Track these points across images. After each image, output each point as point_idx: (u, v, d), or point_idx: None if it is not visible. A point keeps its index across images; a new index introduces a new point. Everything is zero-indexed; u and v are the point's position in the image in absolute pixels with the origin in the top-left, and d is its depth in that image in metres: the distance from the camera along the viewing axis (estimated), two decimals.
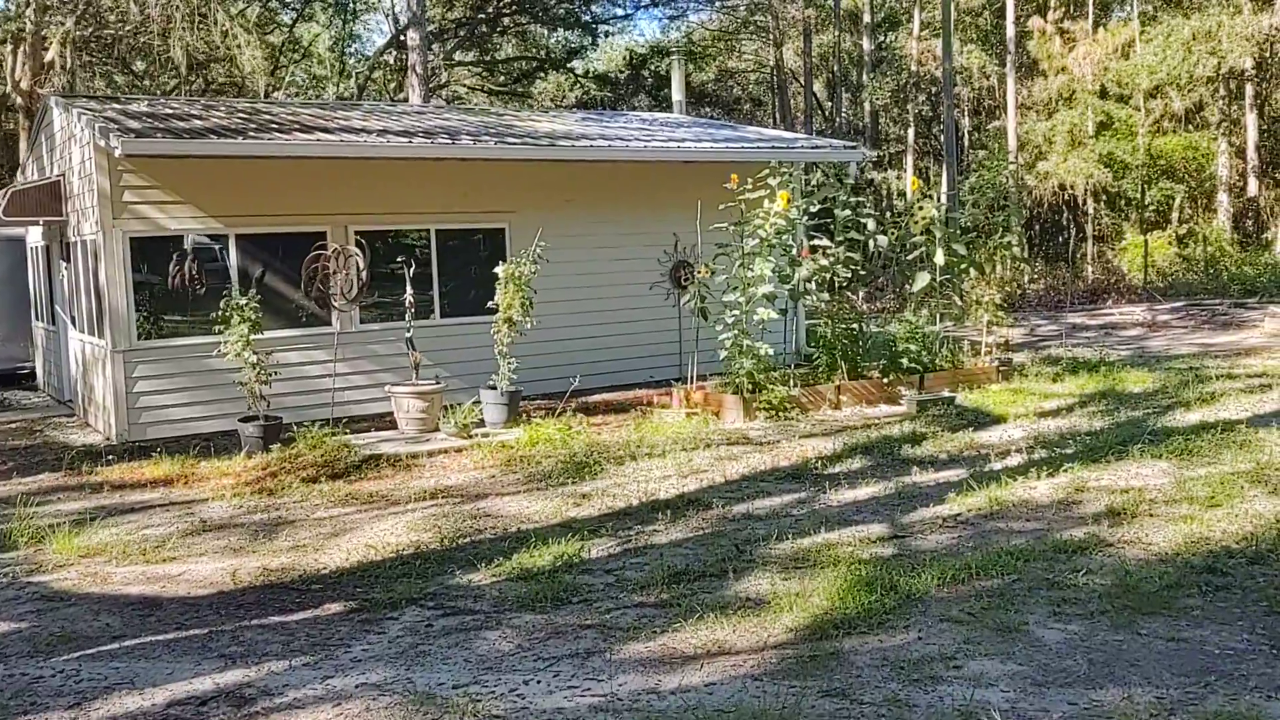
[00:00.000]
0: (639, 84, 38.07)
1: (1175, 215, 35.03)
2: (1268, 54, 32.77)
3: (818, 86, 43.59)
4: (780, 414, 11.75)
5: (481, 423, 11.07)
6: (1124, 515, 7.23)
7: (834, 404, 12.44)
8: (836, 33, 38.66)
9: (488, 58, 39.17)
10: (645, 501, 8.18)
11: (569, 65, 38.17)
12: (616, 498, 8.36)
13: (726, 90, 42.07)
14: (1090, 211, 33.59)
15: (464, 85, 39.31)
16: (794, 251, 12.81)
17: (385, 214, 13.39)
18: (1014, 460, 9.24)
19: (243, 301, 10.63)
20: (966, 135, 39.83)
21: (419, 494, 8.73)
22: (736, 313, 11.92)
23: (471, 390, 13.32)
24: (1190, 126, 36.12)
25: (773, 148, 15.06)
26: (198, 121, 12.64)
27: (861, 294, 13.98)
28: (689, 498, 8.26)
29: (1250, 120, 33.94)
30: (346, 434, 11.04)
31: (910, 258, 13.83)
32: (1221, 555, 6.25)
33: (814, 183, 13.79)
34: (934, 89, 35.71)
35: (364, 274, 11.38)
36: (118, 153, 10.95)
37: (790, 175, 12.87)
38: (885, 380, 12.87)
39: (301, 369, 12.73)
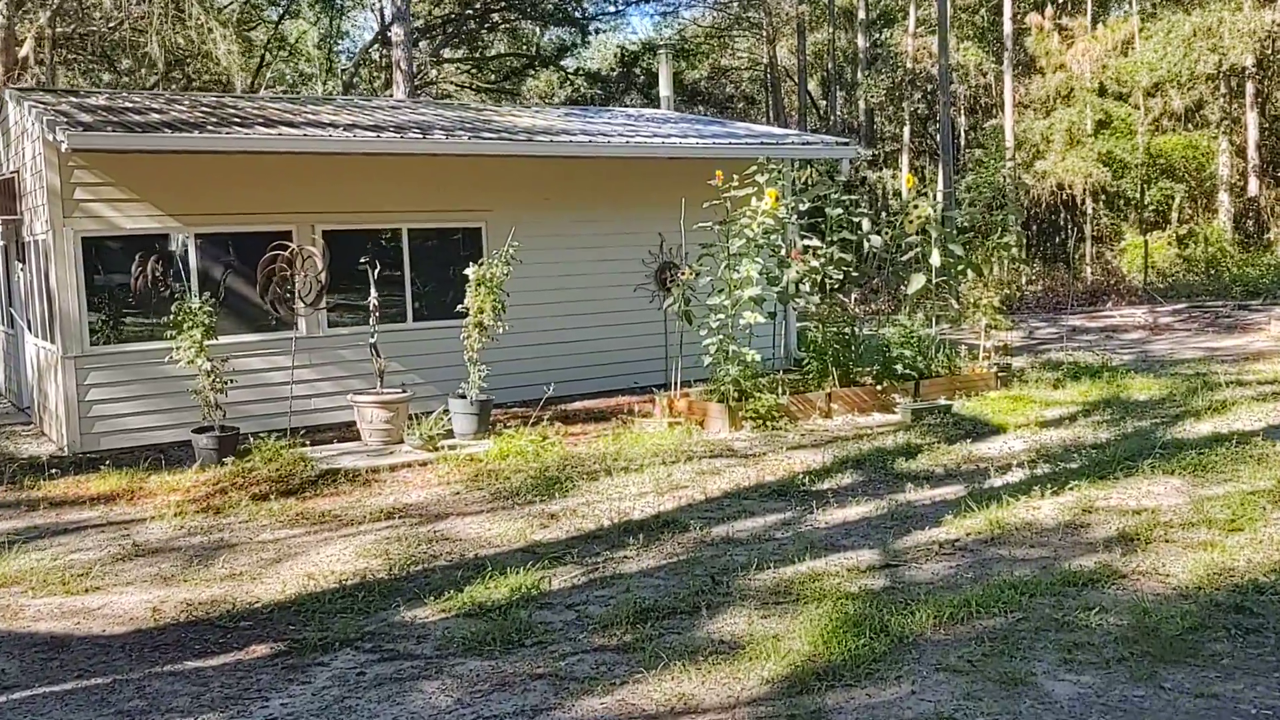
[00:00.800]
0: (630, 81, 37.45)
1: (1175, 215, 34.44)
2: (1269, 50, 32.20)
3: (812, 85, 42.99)
4: (768, 424, 11.13)
5: (450, 434, 10.44)
6: (1137, 541, 6.61)
7: (824, 412, 11.82)
8: (831, 30, 38.07)
9: (477, 55, 38.53)
10: (617, 523, 7.55)
11: (559, 62, 37.53)
12: (586, 518, 7.73)
13: (719, 88, 41.45)
14: (1089, 211, 33.00)
15: (453, 83, 38.67)
16: (783, 252, 12.20)
17: (354, 213, 12.75)
18: (1015, 476, 8.62)
19: (195, 305, 9.99)
20: (963, 134, 39.24)
21: (375, 513, 8.10)
22: (721, 317, 11.30)
23: (446, 398, 12.72)
24: (1189, 125, 35.56)
25: (762, 144, 14.44)
26: (155, 115, 12.00)
27: (854, 296, 13.37)
28: (665, 518, 7.63)
29: (1251, 119, 33.36)
30: (306, 446, 10.42)
31: (905, 259, 13.22)
32: (1249, 591, 5.63)
33: (804, 180, 13.16)
34: (930, 87, 35.12)
35: (323, 275, 10.74)
36: (64, 147, 10.31)
37: (780, 172, 12.25)
38: (879, 387, 12.25)
39: (265, 376, 12.09)
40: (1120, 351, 17.10)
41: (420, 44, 36.96)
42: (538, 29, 39.98)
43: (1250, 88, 32.98)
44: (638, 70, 38.96)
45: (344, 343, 12.70)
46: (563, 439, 10.83)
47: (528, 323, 13.79)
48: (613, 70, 39.21)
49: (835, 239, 12.66)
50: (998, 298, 13.54)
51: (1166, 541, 6.57)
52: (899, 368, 12.31)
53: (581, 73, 37.57)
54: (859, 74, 36.08)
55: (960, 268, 13.13)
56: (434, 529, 7.60)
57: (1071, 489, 7.97)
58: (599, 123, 15.48)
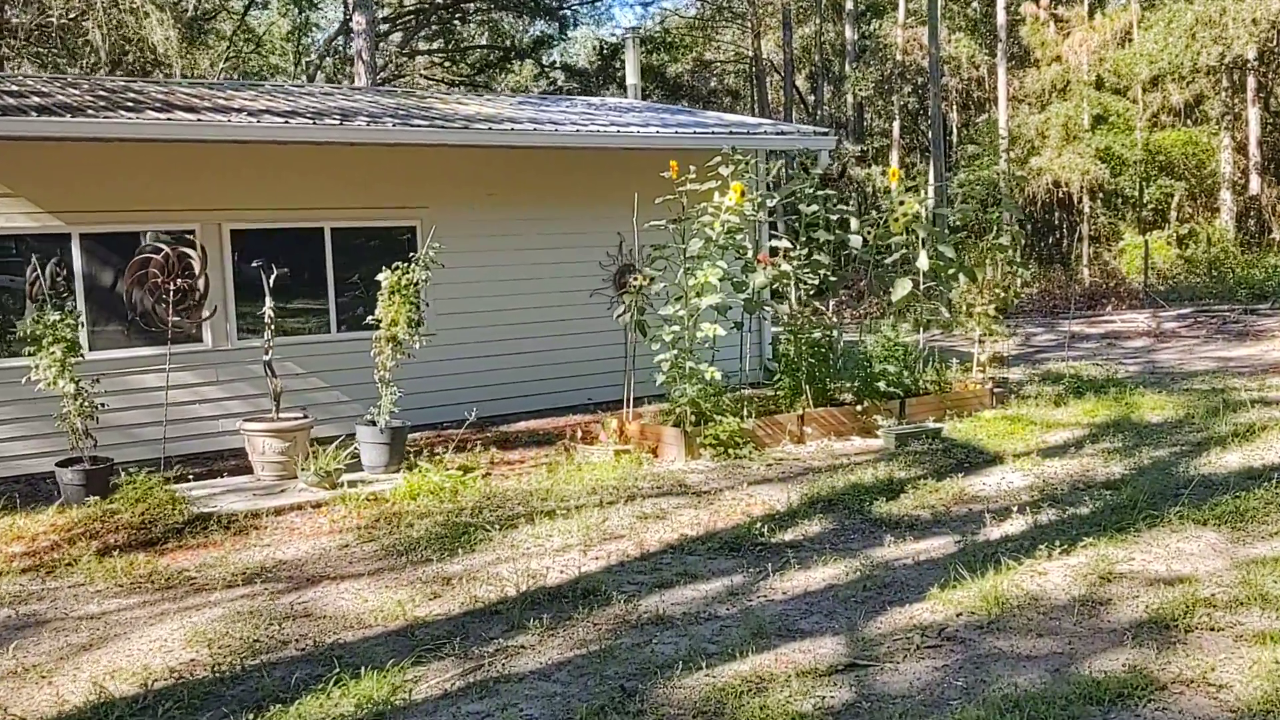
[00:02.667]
0: (610, 75, 36.00)
1: (1174, 214, 33.08)
2: (1272, 43, 30.83)
3: (800, 80, 41.57)
4: (730, 451, 9.69)
5: (359, 464, 8.98)
6: (1174, 629, 5.18)
7: (796, 437, 10.39)
8: (819, 21, 36.67)
9: (450, 47, 37.06)
10: (525, 591, 6.10)
11: (536, 55, 36.07)
12: (489, 583, 6.28)
13: (703, 82, 40.00)
14: (1086, 210, 31.61)
15: (425, 76, 37.19)
16: (750, 254, 10.76)
17: (269, 209, 11.29)
18: (1016, 525, 7.19)
19: (55, 317, 8.52)
20: (955, 130, 37.85)
21: (237, 574, 6.64)
22: (676, 328, 9.86)
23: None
24: (1189, 121, 34.22)
25: (731, 133, 13.00)
26: (35, 99, 10.51)
27: (833, 304, 11.95)
28: (585, 584, 6.18)
29: (1253, 114, 32.02)
30: (190, 480, 8.97)
31: (889, 261, 11.79)
32: None
33: (778, 174, 11.72)
34: (920, 80, 33.71)
35: (202, 282, 9.27)
36: None
37: (747, 164, 10.81)
38: (859, 408, 10.82)
39: (163, 395, 10.64)
40: (1125, 362, 15.70)
41: (392, 36, 35.50)
42: (516, 21, 38.57)
43: (1252, 82, 31.64)
44: (617, 64, 37.51)
45: (258, 356, 11.24)
46: (492, 470, 9.40)
47: (468, 333, 12.37)
48: (591, 63, 37.78)
49: (810, 239, 11.25)
50: (993, 305, 12.12)
51: (1212, 630, 5.14)
52: (882, 385, 10.87)
53: (559, 66, 36.09)
54: (847, 67, 34.66)
55: (951, 271, 11.70)
56: (298, 600, 6.14)
57: (1085, 546, 6.53)
58: (553, 111, 14.04)
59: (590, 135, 12.14)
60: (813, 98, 40.22)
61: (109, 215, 10.47)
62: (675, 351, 9.83)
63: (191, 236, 10.85)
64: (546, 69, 35.80)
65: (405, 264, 9.12)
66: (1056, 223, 34.82)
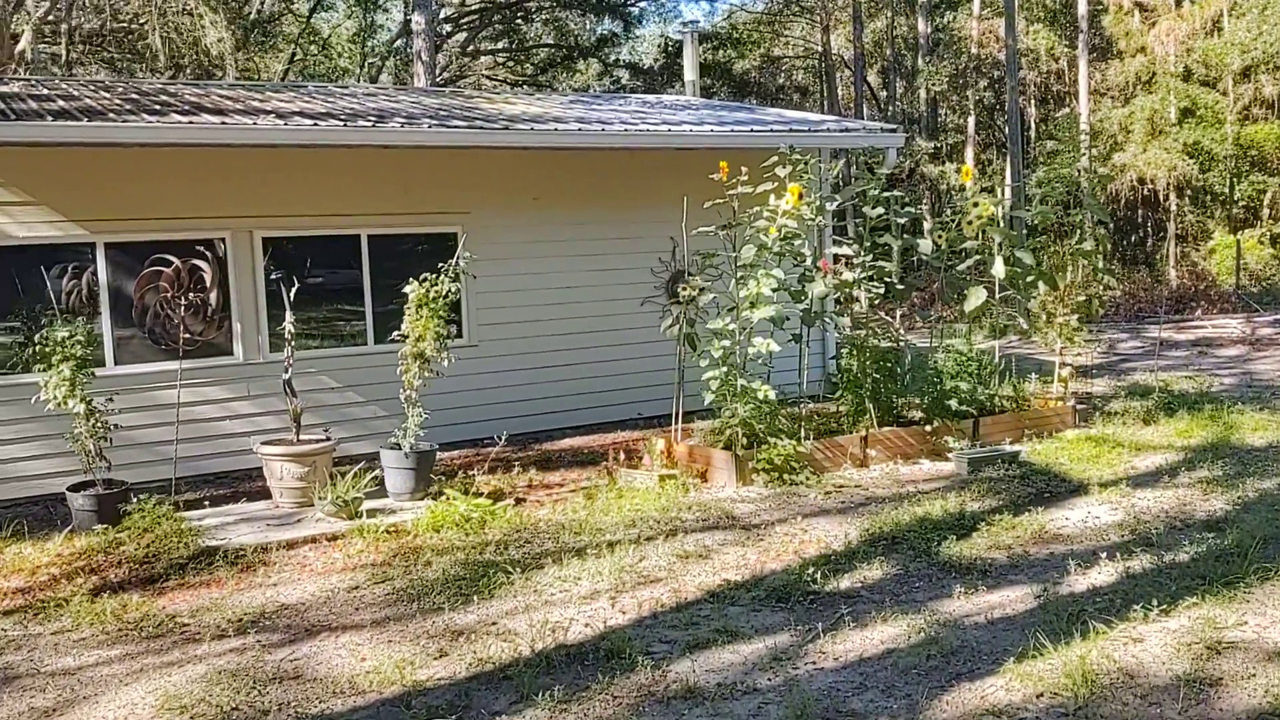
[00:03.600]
0: (674, 73, 35.22)
1: (1267, 212, 31.41)
2: None
3: (871, 76, 40.45)
4: (785, 477, 8.92)
5: (383, 490, 8.38)
6: None
7: (859, 460, 9.58)
8: (890, 15, 35.55)
9: (512, 46, 36.61)
10: (541, 650, 5.41)
11: (600, 54, 35.44)
12: (503, 638, 5.60)
13: (770, 78, 39.06)
14: (1173, 208, 30.11)
15: (488, 76, 36.79)
16: (809, 261, 9.97)
17: (302, 216, 10.77)
18: (1104, 574, 6.33)
19: (63, 334, 8.03)
20: (1033, 125, 36.45)
21: (232, 621, 6.05)
22: (726, 343, 9.10)
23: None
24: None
25: (790, 130, 12.20)
26: (61, 102, 10.10)
27: (900, 314, 11.10)
28: (610, 642, 5.47)
29: None
30: (206, 504, 8.44)
31: (962, 267, 10.90)
32: None
33: (836, 174, 10.90)
34: (996, 73, 32.45)
35: (213, 295, 8.74)
36: None
37: (806, 164, 10.01)
38: (928, 428, 9.97)
39: (192, 410, 10.18)
40: (1219, 372, 14.59)
41: (456, 37, 35.14)
42: (581, 19, 38.01)
43: None
44: (681, 61, 36.75)
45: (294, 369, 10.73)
46: (528, 494, 8.75)
47: (511, 344, 11.74)
48: (656, 61, 37.07)
49: (876, 244, 10.43)
50: (1076, 315, 11.16)
51: None
52: (953, 403, 10.01)
53: (623, 64, 35.44)
54: (920, 61, 33.51)
55: (1030, 278, 10.79)
56: (291, 656, 5.52)
57: (1188, 605, 5.67)
58: (603, 110, 13.36)
59: (639, 135, 11.42)
60: (884, 94, 39.09)
61: (134, 224, 10.01)
62: (725, 368, 9.07)
63: (219, 245, 10.36)
64: (610, 68, 35.15)
65: (434, 275, 8.48)
66: (1139, 221, 33.31)
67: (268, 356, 10.62)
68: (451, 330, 8.45)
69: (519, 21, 36.52)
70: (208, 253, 10.33)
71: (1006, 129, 30.09)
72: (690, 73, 16.34)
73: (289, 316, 8.49)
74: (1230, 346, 17.62)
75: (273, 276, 9.25)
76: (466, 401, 11.41)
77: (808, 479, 8.92)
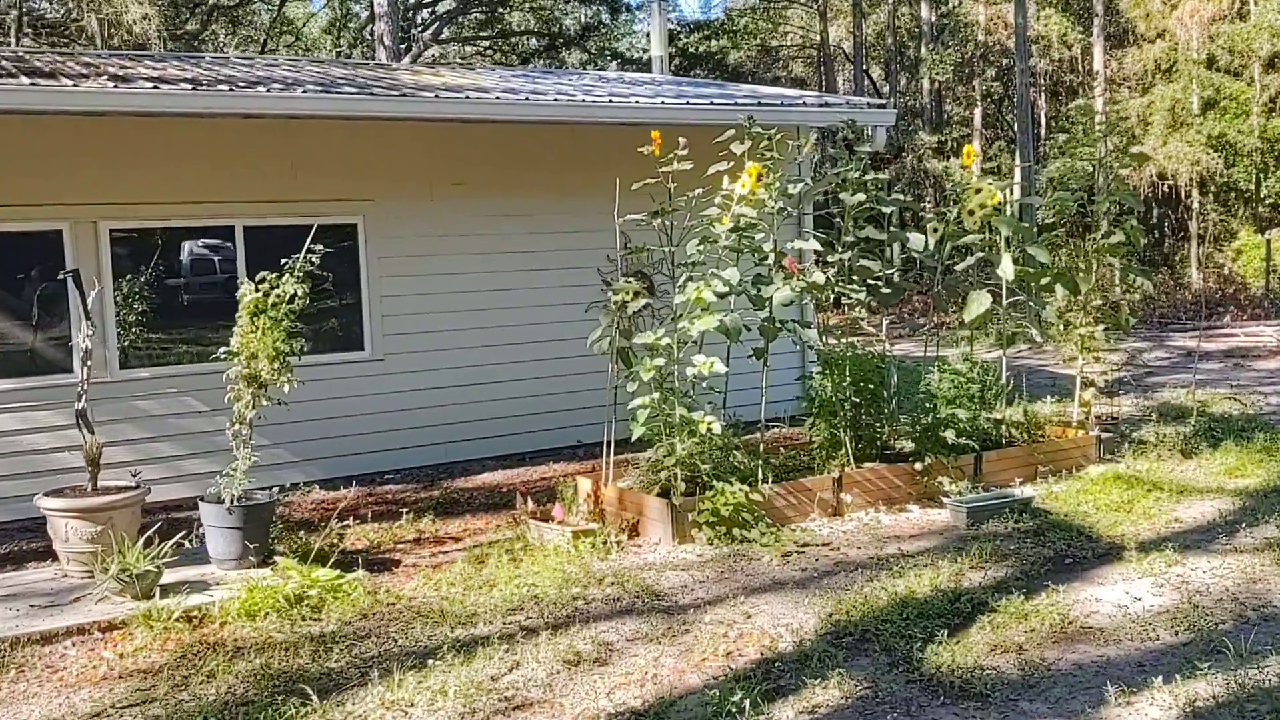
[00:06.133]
0: (664, 63, 33.36)
1: None
2: None
3: (873, 70, 38.50)
4: (735, 533, 6.99)
5: (203, 553, 6.47)
6: None
7: (831, 508, 7.65)
8: (892, 1, 33.59)
9: (494, 34, 34.74)
10: None
11: (583, 42, 33.56)
12: None
13: (766, 69, 37.14)
14: (1195, 205, 28.09)
15: (466, 68, 34.89)
16: (772, 259, 8.04)
17: (161, 204, 8.90)
18: (1157, 706, 4.41)
19: None
20: (1044, 119, 34.44)
21: None
22: (661, 362, 7.17)
23: (306, 472, 8.98)
24: None
25: (760, 105, 10.27)
26: None
27: (886, 323, 9.17)
28: None
29: None
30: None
31: (962, 266, 8.97)
32: None
33: (805, 152, 8.94)
34: (1005, 62, 30.49)
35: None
36: None
37: (770, 139, 8.09)
38: (918, 465, 8.05)
39: (14, 440, 8.34)
40: (1261, 390, 12.64)
41: (428, 25, 33.27)
42: (566, 6, 36.12)
43: None
44: (672, 49, 34.88)
45: (147, 390, 8.86)
46: (407, 555, 6.85)
47: (424, 358, 9.86)
48: (645, 52, 35.16)
49: (857, 239, 8.51)
50: (1100, 326, 9.21)
51: None
52: (949, 434, 8.06)
53: (609, 53, 33.55)
54: (923, 49, 31.53)
55: (1045, 281, 8.85)
56: None
57: None
58: (545, 84, 11.44)
59: (572, 106, 9.50)
60: (887, 87, 37.12)
61: None
62: (658, 394, 7.15)
63: (54, 239, 8.48)
64: (595, 57, 33.26)
65: (276, 275, 6.57)
66: (1158, 220, 31.29)
67: (116, 374, 8.76)
68: (297, 345, 6.50)
69: (501, 9, 34.66)
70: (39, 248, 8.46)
71: (1015, 123, 28.15)
72: (657, 47, 14.44)
73: (85, 328, 6.56)
74: (1269, 358, 15.65)
75: (60, 275, 7.32)
76: (366, 427, 9.55)
77: (763, 535, 6.98)
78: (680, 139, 7.52)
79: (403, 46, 30.99)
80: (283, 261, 6.69)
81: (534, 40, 35.05)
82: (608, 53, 33.32)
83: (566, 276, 10.40)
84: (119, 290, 8.79)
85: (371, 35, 26.59)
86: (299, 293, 6.48)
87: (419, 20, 33.22)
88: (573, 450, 10.07)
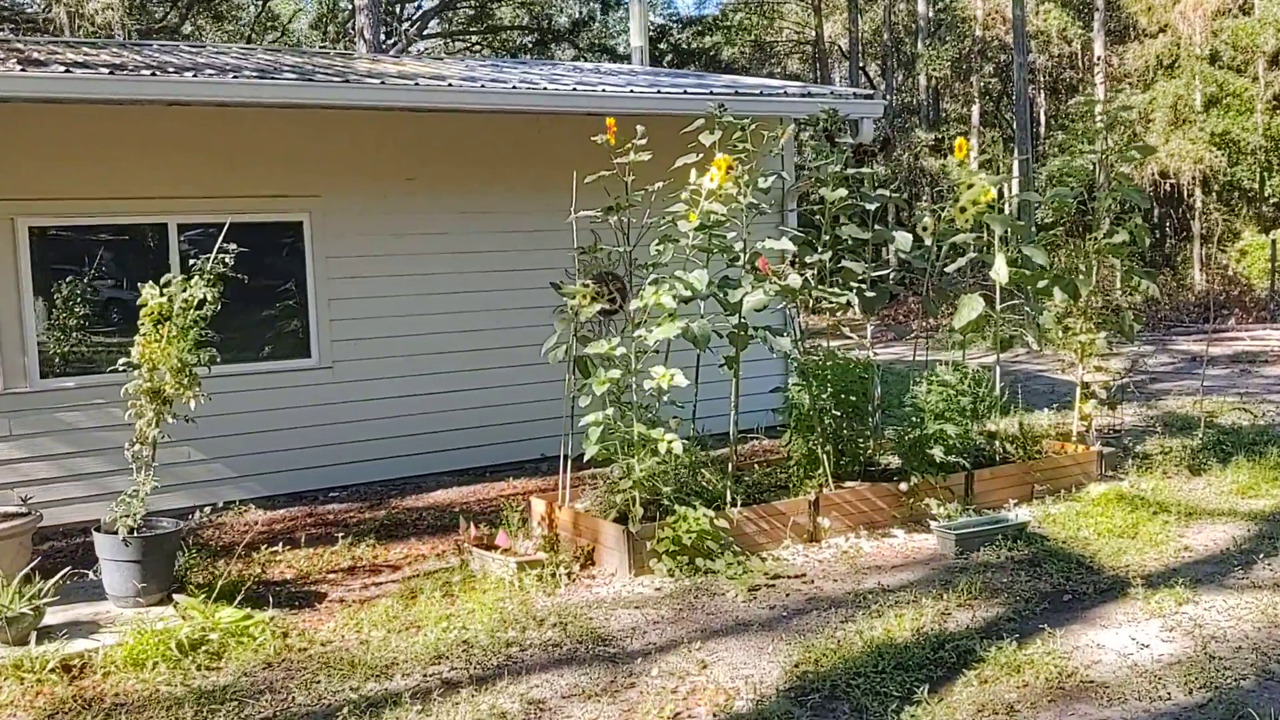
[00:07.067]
0: (656, 59, 32.71)
1: None
2: None
3: (870, 68, 37.78)
4: (699, 563, 6.31)
5: (100, 590, 5.78)
6: None
7: (807, 534, 6.97)
8: None
9: (483, 28, 34.06)
10: None
11: (573, 38, 32.89)
12: None
13: (760, 66, 36.45)
14: (1198, 205, 27.40)
15: (433, 57, 34.20)
16: (743, 261, 7.37)
17: (86, 200, 8.21)
18: None
19: None
20: (1043, 117, 33.75)
21: None
22: (617, 373, 6.49)
23: (246, 489, 8.32)
24: None
25: (737, 94, 9.59)
26: None
27: (871, 329, 8.49)
28: None
29: None
30: None
31: (952, 269, 8.29)
32: None
33: (783, 143, 8.22)
34: (1004, 57, 29.80)
35: None
36: None
37: (744, 129, 7.43)
38: (903, 486, 7.36)
39: None
40: (1270, 398, 11.97)
41: (425, 20, 32.61)
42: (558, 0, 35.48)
43: None
44: (663, 46, 34.27)
45: (71, 401, 8.17)
46: (336, 587, 6.18)
47: (376, 365, 9.18)
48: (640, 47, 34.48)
49: (837, 239, 7.84)
50: (1102, 333, 8.52)
51: None
52: (938, 451, 7.37)
53: (599, 48, 32.86)
54: (919, 45, 30.83)
55: (1042, 284, 8.16)
56: None
57: None
58: (511, 73, 10.75)
59: (533, 95, 8.80)
60: (883, 84, 36.42)
61: None
62: (613, 410, 6.47)
63: None
64: (583, 53, 32.56)
65: (184, 278, 5.89)
66: (1158, 219, 30.59)
67: (37, 384, 8.07)
68: (206, 356, 5.82)
69: (491, 3, 33.99)
70: None
71: (1014, 122, 27.47)
72: (637, 38, 13.75)
73: None
74: (1276, 363, 14.97)
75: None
76: (312, 440, 8.87)
77: (730, 566, 6.30)
78: (639, 127, 6.83)
79: (392, 42, 30.35)
80: (191, 263, 6.01)
81: (525, 36, 34.33)
82: (598, 48, 32.59)
83: (532, 278, 9.66)
84: (39, 294, 8.11)
85: (351, 28, 25.87)
86: (209, 297, 5.78)
87: (406, 15, 32.56)
88: (536, 465, 9.39)
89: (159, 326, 5.72)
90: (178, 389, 5.67)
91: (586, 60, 33.58)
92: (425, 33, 31.97)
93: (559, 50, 34.74)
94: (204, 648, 5.14)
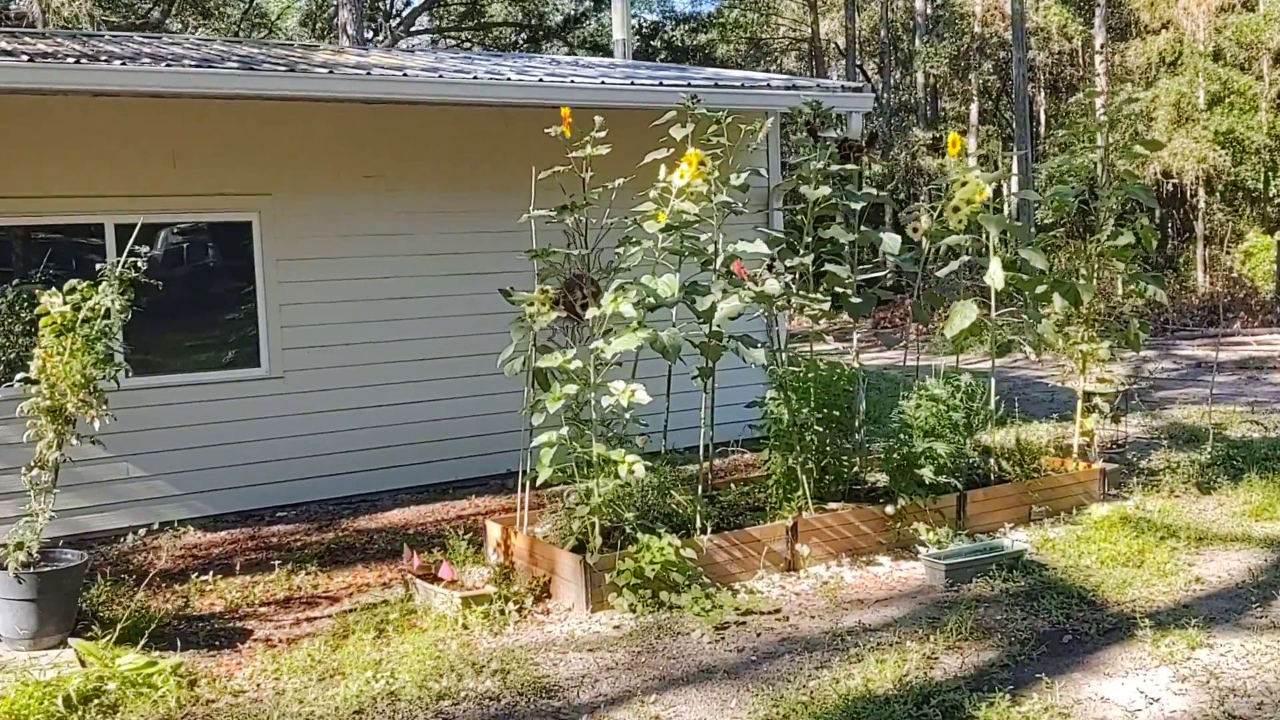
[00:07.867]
0: (648, 55, 32.16)
1: None
2: None
3: (868, 66, 37.19)
4: (663, 597, 5.75)
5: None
6: None
7: (785, 562, 6.40)
8: None
9: (475, 24, 33.49)
10: None
11: (565, 35, 32.32)
12: None
13: (755, 64, 35.88)
14: (1201, 205, 26.83)
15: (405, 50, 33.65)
16: (718, 264, 6.81)
17: (14, 199, 7.65)
18: None
19: None
20: (1043, 116, 33.16)
21: None
22: (573, 389, 5.92)
23: (190, 507, 7.76)
24: None
25: (716, 86, 9.02)
26: None
27: (856, 338, 7.92)
28: None
29: None
30: None
31: (943, 273, 7.71)
32: None
33: (761, 137, 7.63)
34: (1003, 54, 29.23)
35: None
36: None
37: (719, 122, 6.87)
38: (890, 509, 6.79)
39: None
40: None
41: (407, 15, 32.02)
42: None
43: None
44: (656, 43, 33.71)
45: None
46: (265, 623, 5.62)
47: (330, 375, 8.61)
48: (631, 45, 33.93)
49: (820, 240, 7.28)
50: (1105, 343, 7.95)
51: None
52: (927, 472, 6.80)
53: (590, 46, 32.26)
54: (917, 42, 30.26)
55: (1041, 289, 7.59)
56: None
57: None
58: (481, 65, 10.18)
59: (496, 86, 8.23)
60: (880, 82, 35.85)
61: None
62: (570, 428, 5.90)
63: None
64: (575, 50, 31.97)
65: (89, 284, 5.32)
66: (1161, 220, 30.00)
67: None
68: (113, 371, 5.26)
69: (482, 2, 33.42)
70: None
71: (1014, 120, 26.90)
72: (619, 30, 13.17)
73: None
74: None
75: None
76: (261, 455, 8.31)
77: (697, 600, 5.73)
78: (596, 118, 6.26)
79: (381, 38, 29.78)
80: (98, 267, 5.44)
81: (517, 33, 33.75)
82: (592, 45, 32.00)
83: (500, 281, 9.05)
84: None
85: (334, 24, 25.31)
86: (117, 306, 5.21)
87: (394, 10, 32.00)
88: (502, 481, 8.81)
89: (61, 338, 5.14)
90: (81, 407, 5.09)
91: (576, 54, 33.04)
92: (414, 30, 31.35)
93: (551, 48, 34.17)
94: (97, 700, 4.57)
